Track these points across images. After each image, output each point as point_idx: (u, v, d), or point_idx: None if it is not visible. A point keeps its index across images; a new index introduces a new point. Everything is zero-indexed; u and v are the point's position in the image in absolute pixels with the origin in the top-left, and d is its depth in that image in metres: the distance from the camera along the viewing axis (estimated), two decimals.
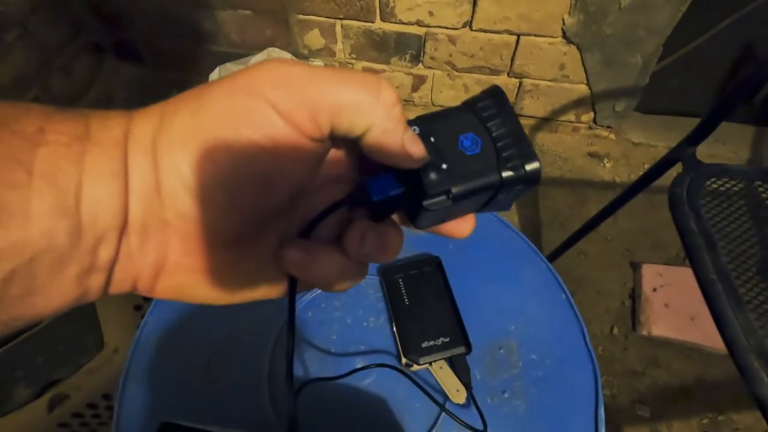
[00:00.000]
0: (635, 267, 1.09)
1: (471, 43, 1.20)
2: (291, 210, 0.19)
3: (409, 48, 1.25)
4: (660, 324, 0.98)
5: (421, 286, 0.50)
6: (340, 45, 1.29)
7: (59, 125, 0.14)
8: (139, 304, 0.76)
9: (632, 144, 1.33)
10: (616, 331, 1.01)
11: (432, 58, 1.26)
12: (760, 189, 0.59)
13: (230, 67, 1.23)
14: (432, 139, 0.19)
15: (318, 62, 1.34)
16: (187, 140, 0.15)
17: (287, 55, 1.26)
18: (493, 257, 0.54)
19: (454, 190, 0.18)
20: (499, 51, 1.20)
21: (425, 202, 0.18)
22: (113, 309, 0.74)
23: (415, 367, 0.45)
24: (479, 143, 0.19)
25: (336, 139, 0.17)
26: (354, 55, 1.31)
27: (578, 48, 1.14)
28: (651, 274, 1.05)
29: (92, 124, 0.15)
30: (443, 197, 0.18)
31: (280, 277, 0.20)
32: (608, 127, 1.32)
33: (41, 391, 0.66)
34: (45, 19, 1.23)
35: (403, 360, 0.45)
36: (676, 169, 0.64)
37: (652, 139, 1.33)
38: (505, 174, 0.18)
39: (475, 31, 1.17)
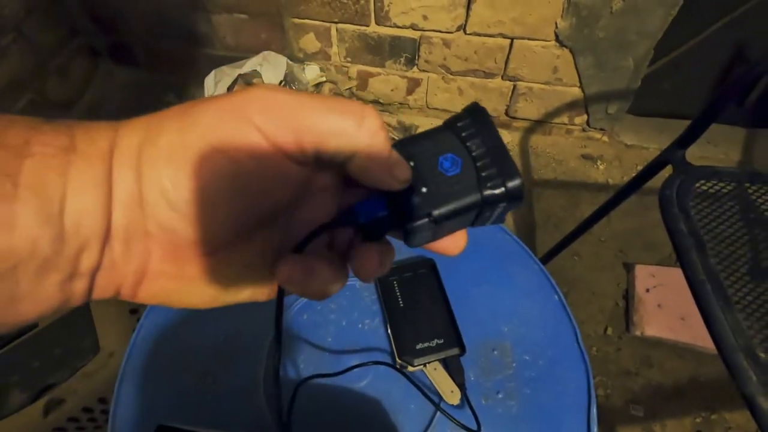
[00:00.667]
0: (628, 268, 1.10)
1: (465, 47, 1.21)
2: (277, 219, 0.20)
3: (403, 51, 1.26)
4: (653, 324, 0.99)
5: (415, 288, 0.50)
6: (335, 48, 1.30)
7: (45, 137, 0.15)
8: (134, 307, 0.76)
9: (625, 146, 1.35)
10: (609, 331, 1.02)
11: (426, 61, 1.27)
12: (750, 191, 0.60)
13: (225, 70, 1.23)
14: (412, 163, 0.19)
15: (313, 66, 1.35)
16: (172, 157, 0.15)
17: (282, 59, 1.27)
18: (486, 259, 0.55)
19: (435, 212, 0.18)
20: (493, 54, 1.21)
21: (408, 226, 0.19)
22: (109, 313, 0.74)
23: (410, 369, 0.45)
24: (459, 163, 0.19)
25: (322, 162, 0.18)
26: (349, 59, 1.32)
27: (571, 51, 1.16)
28: (644, 275, 1.06)
29: (77, 136, 0.15)
30: (425, 220, 0.18)
31: (265, 281, 0.20)
32: (601, 129, 1.34)
33: (37, 396, 0.66)
34: (40, 22, 1.23)
35: (398, 361, 0.45)
36: (667, 171, 0.65)
37: (644, 141, 1.34)
38: (486, 193, 0.18)
39: (469, 34, 1.18)
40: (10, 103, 1.17)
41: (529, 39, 1.15)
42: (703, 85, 1.30)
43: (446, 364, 0.45)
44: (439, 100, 1.37)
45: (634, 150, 1.34)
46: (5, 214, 0.13)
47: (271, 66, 1.24)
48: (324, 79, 1.37)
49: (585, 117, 1.31)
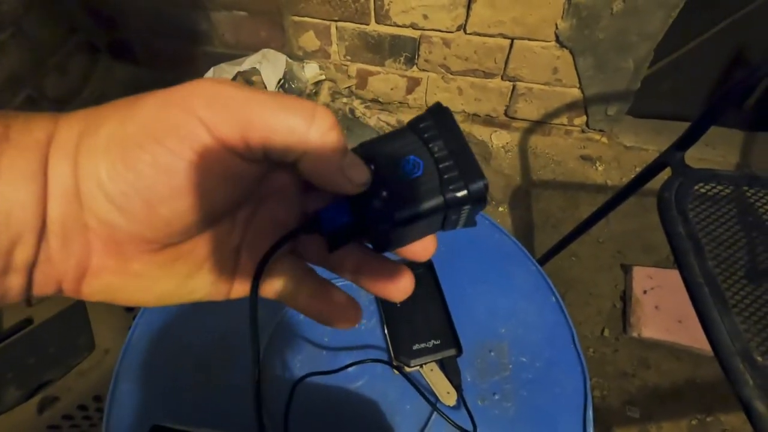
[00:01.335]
0: (626, 269, 1.10)
1: (465, 47, 1.21)
2: (231, 218, 0.19)
3: (403, 50, 1.25)
4: (650, 326, 0.99)
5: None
6: (335, 47, 1.29)
7: None
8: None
9: (624, 147, 1.35)
10: (607, 332, 1.02)
11: (426, 60, 1.27)
12: (748, 194, 0.60)
13: (225, 67, 1.23)
14: (372, 166, 0.18)
15: (313, 64, 1.34)
16: (110, 147, 0.15)
17: (282, 57, 1.26)
18: (484, 260, 0.55)
19: (396, 216, 0.18)
20: (493, 54, 1.21)
21: (370, 231, 0.18)
22: (104, 310, 0.73)
23: (407, 370, 0.45)
24: (421, 165, 0.18)
25: (273, 161, 0.17)
26: (349, 57, 1.32)
27: (571, 52, 1.15)
28: (641, 277, 1.06)
29: (13, 126, 0.15)
30: (386, 225, 0.18)
31: (222, 280, 0.20)
32: (600, 130, 1.33)
33: (31, 393, 0.66)
34: (39, 19, 1.22)
35: (394, 362, 0.45)
36: (666, 173, 0.64)
37: (643, 143, 1.34)
38: (449, 196, 0.18)
39: (469, 34, 1.18)
40: (8, 99, 1.17)
41: (529, 39, 1.15)
42: (702, 87, 1.30)
43: (443, 365, 0.45)
44: (438, 99, 1.37)
45: (633, 151, 1.34)
46: None
47: (270, 64, 1.23)
48: (323, 77, 1.36)
49: (584, 118, 1.31)
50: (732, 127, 1.35)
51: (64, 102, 1.33)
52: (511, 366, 0.47)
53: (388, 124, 1.34)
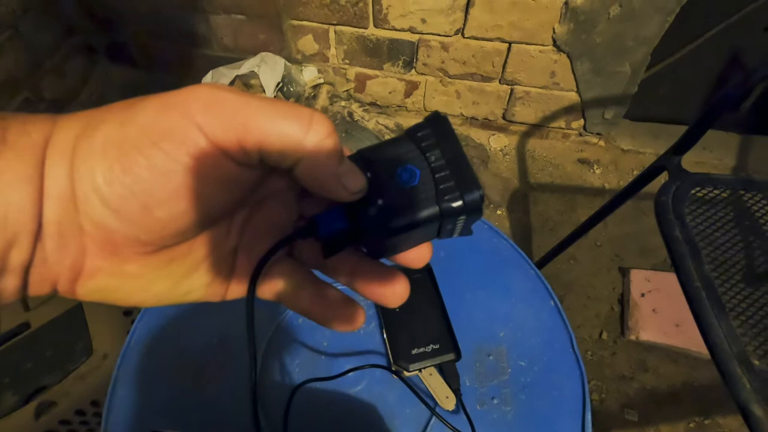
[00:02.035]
0: (624, 272, 1.10)
1: (463, 50, 1.21)
2: (228, 220, 0.19)
3: (402, 54, 1.26)
4: (648, 329, 0.99)
5: (411, 293, 0.50)
6: (333, 50, 1.30)
7: None
8: (128, 310, 0.76)
9: (621, 151, 1.35)
10: (605, 335, 1.02)
11: (425, 64, 1.27)
12: (744, 198, 0.60)
13: (223, 71, 1.23)
14: (369, 174, 0.18)
15: (311, 68, 1.35)
16: (107, 150, 0.15)
17: (280, 61, 1.27)
18: (482, 264, 0.55)
19: (391, 224, 0.18)
20: (491, 58, 1.21)
21: (364, 239, 0.18)
22: (102, 314, 0.73)
23: (405, 374, 0.45)
24: (417, 175, 0.18)
25: (269, 166, 0.17)
26: (347, 61, 1.32)
27: (568, 56, 1.16)
28: (639, 280, 1.06)
29: (11, 128, 0.15)
30: (381, 233, 0.18)
31: (217, 282, 0.20)
32: (598, 134, 1.34)
33: (28, 398, 0.65)
34: (36, 21, 1.22)
35: (393, 367, 0.45)
36: (663, 177, 0.65)
37: (640, 146, 1.35)
38: (444, 206, 0.18)
39: (467, 38, 1.18)
40: (5, 101, 1.16)
41: (526, 43, 1.16)
42: (698, 90, 1.30)
43: (442, 369, 0.45)
44: (436, 103, 1.37)
45: (630, 155, 1.35)
46: None
47: (268, 67, 1.24)
48: (322, 80, 1.37)
49: (582, 121, 1.31)
50: (728, 130, 1.36)
51: (61, 104, 1.33)
52: (509, 370, 0.47)
53: (386, 127, 1.34)
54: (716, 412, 0.92)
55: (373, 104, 1.42)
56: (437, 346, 0.46)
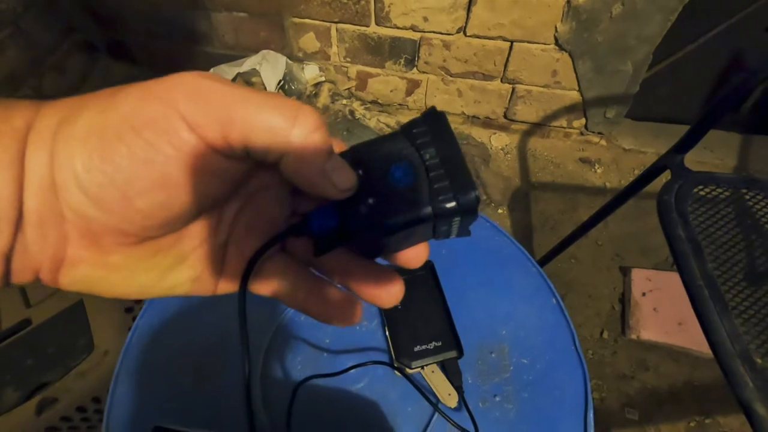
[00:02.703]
0: (625, 271, 1.10)
1: (465, 49, 1.21)
2: (217, 213, 0.19)
3: (403, 52, 1.26)
4: (649, 328, 0.99)
5: (413, 291, 0.50)
6: (335, 48, 1.30)
7: None
8: (130, 306, 0.76)
9: (623, 150, 1.35)
10: (605, 335, 1.02)
11: (426, 62, 1.27)
12: (747, 197, 0.60)
13: (224, 69, 1.23)
14: (361, 171, 0.18)
15: (313, 65, 1.34)
16: (88, 137, 0.14)
17: (282, 58, 1.26)
18: (485, 262, 0.55)
19: (381, 225, 0.17)
20: (493, 57, 1.21)
21: (355, 238, 0.18)
22: (104, 311, 0.73)
23: (408, 371, 0.45)
24: (411, 173, 0.17)
25: (256, 159, 0.17)
26: (349, 59, 1.32)
27: (570, 55, 1.16)
28: (640, 279, 1.06)
29: None
30: (371, 232, 0.17)
31: (207, 276, 0.19)
32: (599, 133, 1.34)
33: (30, 394, 0.65)
34: (37, 18, 1.22)
35: (396, 364, 0.45)
36: (665, 176, 0.65)
37: (642, 146, 1.35)
38: (437, 207, 0.17)
39: (469, 36, 1.18)
40: (6, 98, 1.16)
41: (528, 42, 1.16)
42: (700, 90, 1.30)
43: (444, 366, 0.45)
44: (438, 101, 1.37)
45: (631, 154, 1.35)
46: None
47: (270, 65, 1.23)
48: (323, 78, 1.36)
49: (583, 120, 1.31)
50: (730, 130, 1.35)
51: None
52: (511, 368, 0.47)
53: (387, 125, 1.34)
54: (717, 411, 0.92)
55: (374, 102, 1.42)
56: (439, 344, 0.46)
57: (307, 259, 0.21)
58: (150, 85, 0.15)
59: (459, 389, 0.44)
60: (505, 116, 1.37)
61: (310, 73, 1.34)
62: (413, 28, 1.19)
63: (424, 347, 0.46)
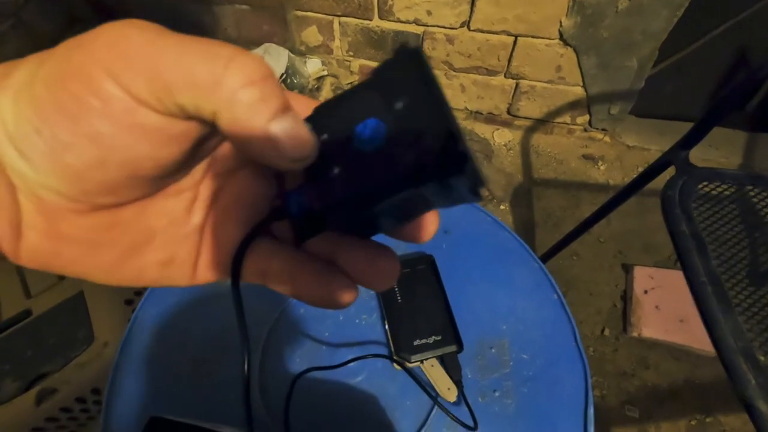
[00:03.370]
0: (627, 269, 1.10)
1: (468, 43, 1.20)
2: (191, 192, 0.18)
3: None
4: (650, 326, 0.99)
5: (413, 285, 0.50)
6: (337, 42, 1.29)
7: None
8: (129, 298, 0.76)
9: (626, 147, 1.34)
10: (607, 332, 1.02)
11: (429, 57, 1.26)
12: (751, 193, 0.60)
13: None
14: (325, 136, 0.15)
15: (315, 59, 1.34)
16: (20, 89, 0.14)
17: (284, 52, 1.26)
18: (486, 256, 0.54)
19: (348, 199, 0.15)
20: (497, 52, 1.20)
21: (328, 219, 0.15)
22: (104, 303, 0.73)
23: (407, 365, 0.45)
24: (382, 132, 0.14)
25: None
26: (351, 53, 1.31)
27: (575, 50, 1.15)
28: (642, 276, 1.06)
29: None
30: (339, 209, 0.15)
31: (180, 262, 0.18)
32: (603, 129, 1.33)
33: (29, 385, 0.65)
34: (39, 9, 1.21)
35: (395, 357, 0.45)
36: (668, 173, 0.64)
37: (645, 143, 1.34)
38: (410, 169, 0.13)
39: (472, 31, 1.17)
40: None
41: (532, 37, 1.15)
42: (705, 88, 1.29)
43: (443, 361, 0.45)
44: None
45: (635, 151, 1.34)
46: None
47: (272, 59, 1.23)
48: (325, 72, 1.36)
49: (587, 117, 1.30)
50: (734, 127, 1.34)
51: None
52: (511, 363, 0.47)
53: None
54: (718, 409, 0.91)
55: None
56: (439, 338, 0.46)
57: (291, 241, 0.19)
58: (79, 37, 0.14)
59: (458, 384, 0.44)
60: (508, 112, 1.36)
61: (313, 67, 1.33)
62: (416, 22, 1.18)
63: (423, 341, 0.45)
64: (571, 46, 1.14)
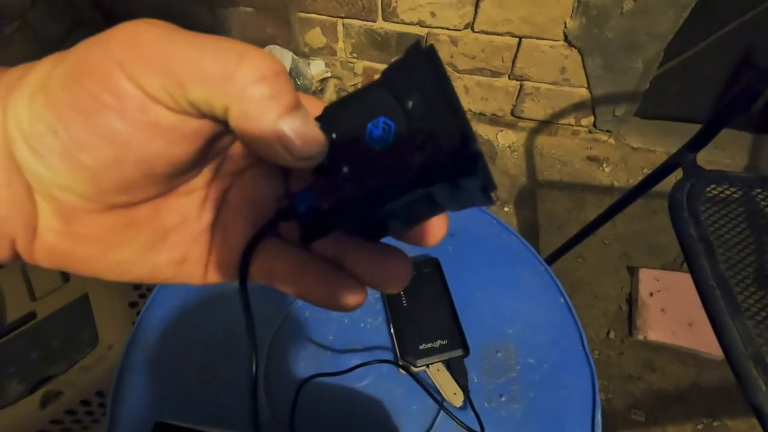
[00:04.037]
0: (632, 271, 1.09)
1: (472, 45, 1.20)
2: (203, 191, 0.18)
3: None
4: (656, 329, 0.98)
5: (419, 288, 0.49)
6: (341, 44, 1.29)
7: None
8: (134, 300, 0.76)
9: (631, 149, 1.34)
10: (612, 335, 1.01)
11: None
12: (759, 196, 0.59)
13: None
14: (335, 135, 0.15)
15: (319, 61, 1.34)
16: (36, 89, 0.14)
17: (288, 54, 1.26)
18: (492, 260, 0.54)
19: (356, 200, 0.15)
20: (501, 53, 1.20)
21: (336, 220, 0.15)
22: (108, 305, 0.73)
23: (413, 370, 0.44)
24: (392, 131, 0.14)
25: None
26: (355, 55, 1.31)
27: (579, 52, 1.14)
28: (648, 279, 1.05)
29: None
30: (346, 210, 0.15)
31: (192, 261, 0.18)
32: (608, 131, 1.32)
33: (34, 387, 0.65)
34: (45, 12, 1.22)
35: (400, 362, 0.45)
36: (675, 175, 0.64)
37: (650, 145, 1.33)
38: (420, 170, 0.13)
39: (476, 32, 1.17)
40: None
41: (537, 38, 1.14)
42: (710, 89, 1.29)
43: (449, 365, 0.45)
44: None
45: (640, 153, 1.33)
46: None
47: None
48: (329, 74, 1.36)
49: (592, 118, 1.30)
50: (741, 129, 1.34)
51: None
52: (518, 367, 0.46)
53: None
54: (724, 414, 0.91)
55: None
56: (445, 342, 0.45)
57: (298, 241, 0.19)
58: (95, 36, 0.14)
59: (464, 388, 0.43)
60: (512, 114, 1.36)
61: (316, 68, 1.33)
62: (420, 24, 1.18)
63: (429, 345, 0.45)
64: (575, 48, 1.14)
